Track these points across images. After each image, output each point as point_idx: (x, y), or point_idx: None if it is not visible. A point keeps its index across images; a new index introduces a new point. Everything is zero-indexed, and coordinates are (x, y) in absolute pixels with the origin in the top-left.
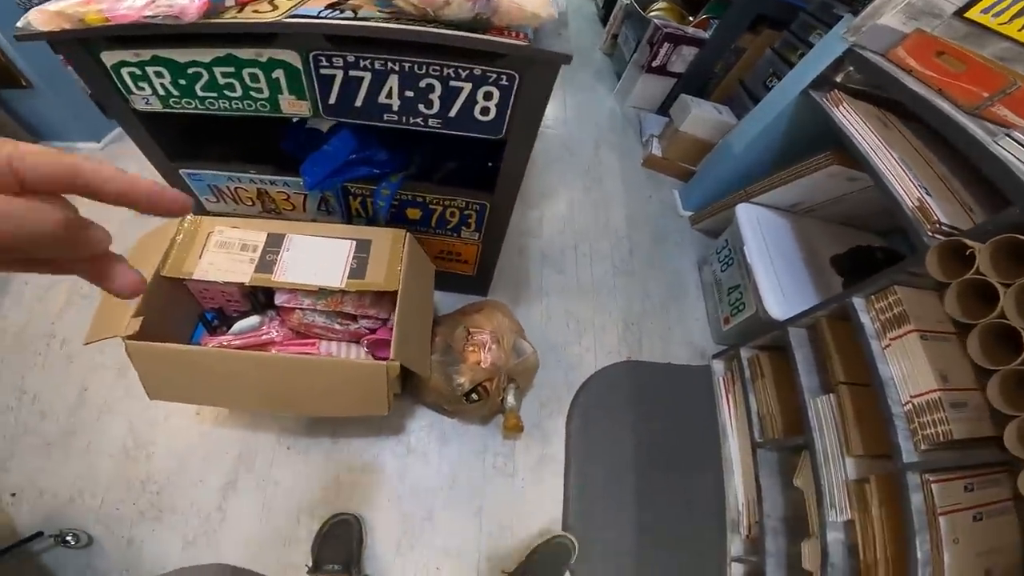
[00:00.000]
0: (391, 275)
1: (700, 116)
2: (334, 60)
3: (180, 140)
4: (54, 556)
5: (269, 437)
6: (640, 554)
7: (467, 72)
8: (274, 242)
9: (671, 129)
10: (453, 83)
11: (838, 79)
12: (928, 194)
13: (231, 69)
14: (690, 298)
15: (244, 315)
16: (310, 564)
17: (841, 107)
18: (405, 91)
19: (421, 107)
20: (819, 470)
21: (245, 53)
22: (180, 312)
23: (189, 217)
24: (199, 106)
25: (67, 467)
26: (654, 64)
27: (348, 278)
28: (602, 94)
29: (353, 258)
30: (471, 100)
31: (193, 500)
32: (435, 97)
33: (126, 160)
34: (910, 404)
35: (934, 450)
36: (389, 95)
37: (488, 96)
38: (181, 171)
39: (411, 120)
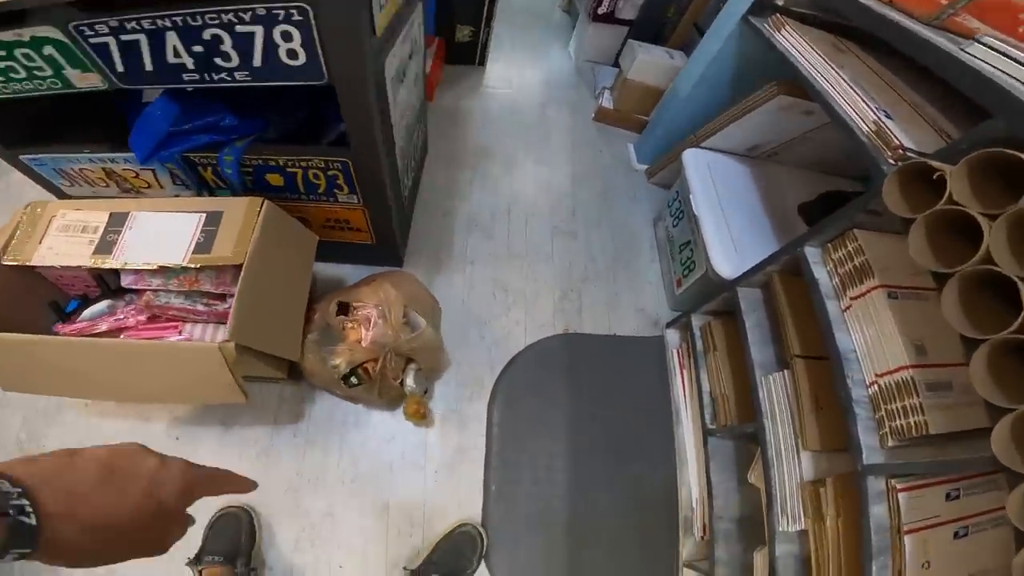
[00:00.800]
0: (241, 247)
1: (648, 61)
2: (97, 27)
3: (26, 125)
4: None
5: (159, 427)
6: (575, 557)
7: (249, 13)
8: (116, 222)
9: (621, 79)
10: (240, 28)
11: (779, 2)
12: (888, 117)
13: (2, 52)
14: (643, 259)
15: (98, 299)
16: (191, 556)
17: (784, 31)
18: (192, 47)
19: (219, 61)
20: (770, 467)
21: (5, 35)
22: (36, 300)
23: (32, 202)
24: None
25: None
26: (600, 11)
27: (192, 253)
28: (556, 51)
29: (201, 232)
30: (271, 44)
31: None
32: (228, 48)
33: None
34: (875, 385)
35: (905, 447)
36: (177, 54)
37: (287, 37)
38: (22, 157)
39: (215, 76)
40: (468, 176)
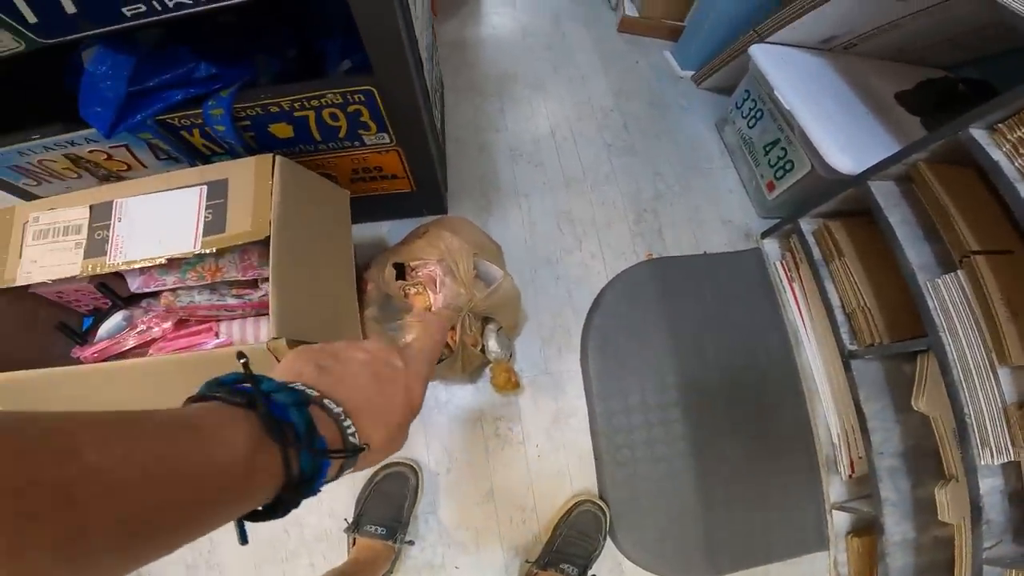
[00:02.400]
0: (261, 217)
1: None
2: None
3: None
4: None
5: None
6: (709, 515)
7: None
8: (101, 215)
9: None
10: None
11: None
12: None
13: None
14: (715, 167)
15: (108, 312)
16: (350, 519)
17: None
18: None
19: None
20: (957, 390)
21: None
22: (41, 325)
23: None
24: None
25: None
26: None
27: (203, 236)
28: None
29: (207, 208)
30: None
31: None
32: None
33: None
34: None
35: None
36: None
37: None
38: None
39: (169, 3)
40: (496, 105)
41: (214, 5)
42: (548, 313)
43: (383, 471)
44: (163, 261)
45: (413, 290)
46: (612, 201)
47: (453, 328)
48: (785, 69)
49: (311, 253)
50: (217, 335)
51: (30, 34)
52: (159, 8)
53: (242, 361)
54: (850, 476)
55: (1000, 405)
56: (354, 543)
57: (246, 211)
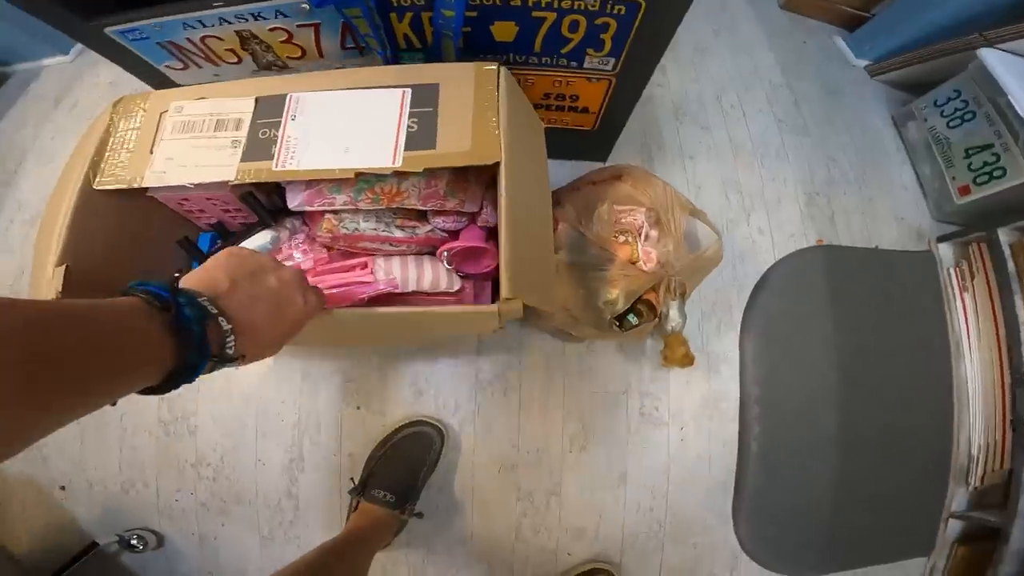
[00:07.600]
0: (484, 137)
1: None
2: None
3: None
4: (134, 560)
5: (331, 397)
6: (833, 514)
7: None
8: (270, 110)
9: None
10: None
11: None
12: None
13: None
14: (891, 162)
15: (249, 230)
16: (355, 480)
17: None
18: None
19: None
20: None
21: None
22: (155, 236)
23: (123, 97)
24: None
25: (107, 451)
26: None
27: (405, 150)
28: None
29: (410, 116)
30: None
31: (257, 485)
32: None
33: (98, 67)
34: None
35: None
36: None
37: None
38: (108, 31)
39: None
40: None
41: None
42: (709, 285)
43: (404, 429)
44: (351, 175)
45: (621, 238)
46: (783, 178)
47: (655, 289)
48: (1018, 77)
49: (525, 191)
50: (373, 272)
51: None
52: None
53: (176, 275)
54: (976, 488)
55: None
56: (355, 507)
57: (463, 127)
